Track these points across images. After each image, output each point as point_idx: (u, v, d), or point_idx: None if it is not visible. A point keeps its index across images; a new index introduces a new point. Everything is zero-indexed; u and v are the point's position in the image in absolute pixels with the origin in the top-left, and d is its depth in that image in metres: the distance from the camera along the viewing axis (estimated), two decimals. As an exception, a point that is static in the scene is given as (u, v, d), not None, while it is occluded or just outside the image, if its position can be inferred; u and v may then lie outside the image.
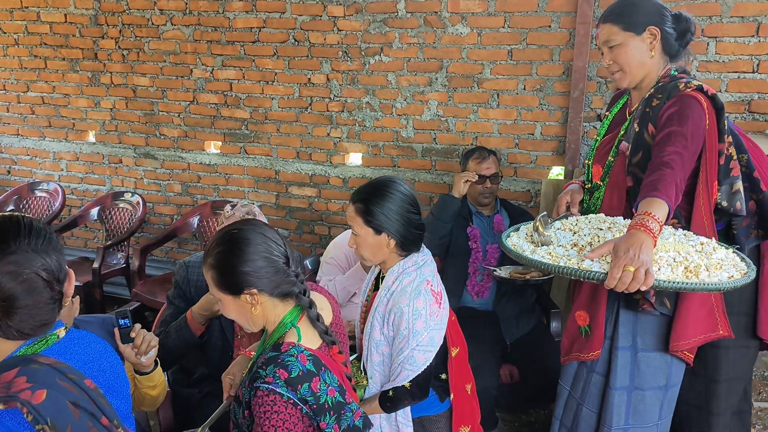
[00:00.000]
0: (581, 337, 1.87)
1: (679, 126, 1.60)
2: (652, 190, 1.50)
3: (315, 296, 1.48)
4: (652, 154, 1.65)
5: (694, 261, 1.48)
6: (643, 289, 1.39)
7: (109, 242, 3.65)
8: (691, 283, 1.43)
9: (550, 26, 3.11)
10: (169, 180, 4.26)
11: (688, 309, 1.72)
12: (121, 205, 3.97)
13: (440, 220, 2.72)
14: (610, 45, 1.75)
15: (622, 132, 1.83)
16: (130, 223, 3.86)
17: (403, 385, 1.68)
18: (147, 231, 4.36)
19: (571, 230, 1.70)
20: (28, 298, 1.03)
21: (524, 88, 3.24)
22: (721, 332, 1.75)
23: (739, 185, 1.73)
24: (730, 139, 1.74)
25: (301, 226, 3.99)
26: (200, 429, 1.53)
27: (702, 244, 1.60)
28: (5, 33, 4.37)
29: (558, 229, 1.73)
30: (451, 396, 1.84)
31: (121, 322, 1.52)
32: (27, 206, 4.25)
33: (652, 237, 1.42)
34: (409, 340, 1.64)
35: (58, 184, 4.31)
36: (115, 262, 3.79)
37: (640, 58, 1.74)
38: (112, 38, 4.08)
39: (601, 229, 1.65)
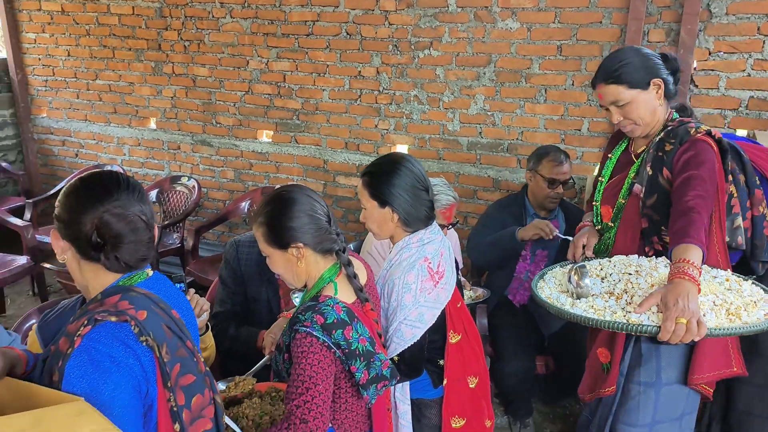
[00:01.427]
0: (603, 373, 1.91)
1: (697, 170, 1.67)
2: (684, 237, 1.54)
3: (352, 260, 1.57)
4: (672, 198, 1.71)
5: (734, 302, 1.52)
6: (696, 339, 1.42)
7: (166, 222, 3.86)
8: (740, 328, 1.45)
9: (601, 22, 3.10)
10: (223, 166, 4.45)
11: (705, 344, 1.73)
12: (178, 189, 4.18)
13: (492, 248, 2.68)
14: (619, 104, 1.80)
15: (632, 174, 1.88)
16: (185, 206, 4.07)
17: (392, 359, 1.71)
18: (200, 215, 4.57)
19: (598, 276, 1.74)
20: (132, 236, 1.18)
21: (572, 84, 3.25)
22: (735, 369, 1.79)
23: (740, 221, 1.79)
24: (731, 178, 1.80)
25: (346, 215, 4.10)
26: (245, 375, 1.67)
27: (727, 280, 1.64)
28: (78, 24, 4.66)
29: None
30: (444, 382, 1.82)
31: (177, 286, 1.66)
32: (92, 187, 4.51)
33: (696, 284, 1.45)
34: (397, 313, 1.69)
35: (121, 167, 4.57)
36: (170, 241, 4.00)
37: (651, 108, 1.81)
38: (175, 30, 4.29)
39: (630, 274, 1.69)
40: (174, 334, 1.20)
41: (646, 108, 1.80)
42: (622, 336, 1.82)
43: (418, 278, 1.70)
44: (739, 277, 1.69)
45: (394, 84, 3.70)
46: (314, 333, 1.37)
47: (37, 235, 3.80)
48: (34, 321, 2.22)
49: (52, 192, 4.46)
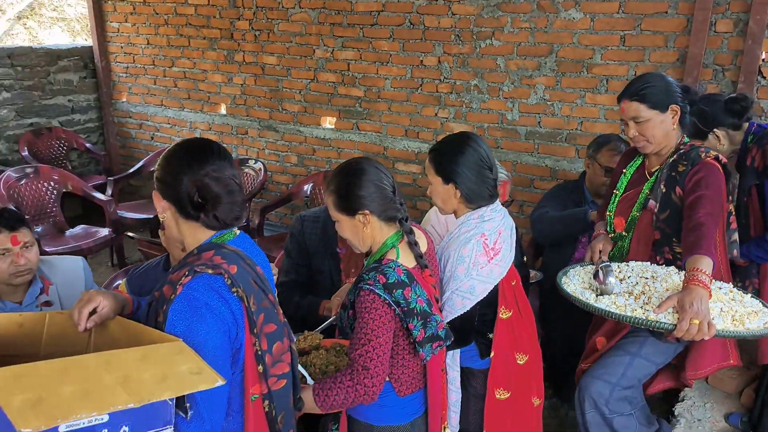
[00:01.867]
0: (594, 353, 2.12)
1: (707, 190, 1.86)
2: (697, 249, 1.72)
3: (413, 229, 1.68)
4: (684, 214, 1.90)
5: (738, 310, 1.72)
6: (706, 338, 1.62)
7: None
8: (744, 332, 1.66)
9: (666, 12, 3.08)
10: (287, 151, 4.66)
11: (706, 343, 1.89)
12: (246, 171, 4.41)
13: (560, 223, 2.73)
14: (638, 120, 1.97)
15: (646, 190, 2.06)
16: (252, 187, 4.29)
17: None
18: (265, 197, 4.80)
19: (617, 277, 1.92)
20: (228, 197, 1.30)
21: (635, 74, 3.23)
22: (731, 361, 2.00)
23: (736, 236, 2.03)
24: (730, 197, 2.03)
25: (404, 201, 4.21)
26: (315, 331, 1.82)
27: (731, 291, 1.85)
28: (157, 14, 4.97)
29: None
30: (492, 354, 1.88)
31: None
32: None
33: (708, 290, 1.64)
34: (450, 283, 1.79)
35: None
36: (237, 220, 4.24)
37: (665, 130, 1.97)
38: (246, 20, 4.52)
39: (646, 278, 1.90)
40: (259, 288, 1.33)
41: (661, 129, 1.96)
42: (625, 330, 2.01)
43: (473, 252, 1.78)
44: (740, 290, 1.89)
45: (455, 73, 3.78)
46: (376, 291, 1.49)
47: (118, 210, 4.12)
48: (119, 282, 2.46)
49: (130, 171, 4.80)
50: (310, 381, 1.61)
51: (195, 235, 1.35)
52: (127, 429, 1.05)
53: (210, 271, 1.25)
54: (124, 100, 5.49)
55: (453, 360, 1.87)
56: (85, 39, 8.00)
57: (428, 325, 1.55)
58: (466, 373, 1.95)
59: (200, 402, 1.20)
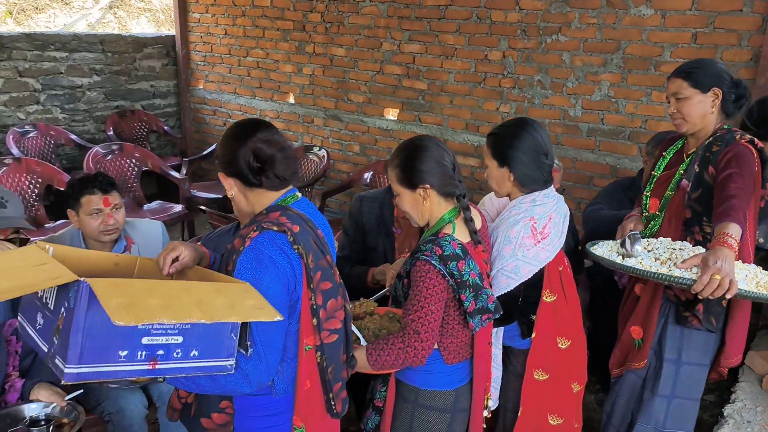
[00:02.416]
0: (634, 348, 2.12)
1: (738, 168, 1.86)
2: (725, 216, 1.73)
3: (470, 206, 1.76)
4: (714, 191, 1.91)
5: (764, 278, 1.75)
6: (728, 296, 1.61)
7: (298, 185, 4.27)
8: (764, 295, 1.69)
9: (741, 10, 3.01)
10: (350, 141, 4.81)
11: (737, 330, 1.98)
12: (310, 157, 4.60)
13: (609, 222, 2.64)
14: (678, 97, 1.99)
15: (681, 171, 2.07)
16: (315, 173, 4.47)
17: None
18: (326, 185, 4.97)
19: (646, 249, 1.92)
20: (281, 154, 1.45)
21: (705, 73, 3.17)
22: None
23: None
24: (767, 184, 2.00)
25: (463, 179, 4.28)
26: (371, 299, 1.94)
27: (757, 268, 1.84)
28: (236, 5, 5.23)
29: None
30: (533, 335, 1.92)
31: None
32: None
33: (733, 251, 1.65)
34: (495, 262, 1.84)
35: (262, 136, 5.09)
36: (299, 204, 4.43)
37: (702, 111, 1.97)
38: (318, 12, 4.69)
39: (674, 249, 1.90)
40: (318, 248, 1.45)
41: (698, 108, 1.97)
42: (656, 315, 2.04)
43: (520, 234, 1.83)
44: (758, 268, 1.87)
45: (519, 68, 3.80)
46: (432, 261, 1.58)
47: (191, 190, 4.39)
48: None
49: (203, 153, 5.09)
50: (363, 342, 1.72)
51: (262, 201, 1.48)
52: (196, 353, 1.21)
53: (275, 229, 1.38)
54: (201, 87, 5.81)
55: (496, 338, 1.93)
56: (168, 29, 8.47)
57: (479, 297, 1.62)
58: (507, 352, 2.01)
59: (259, 343, 1.34)
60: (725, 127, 2.02)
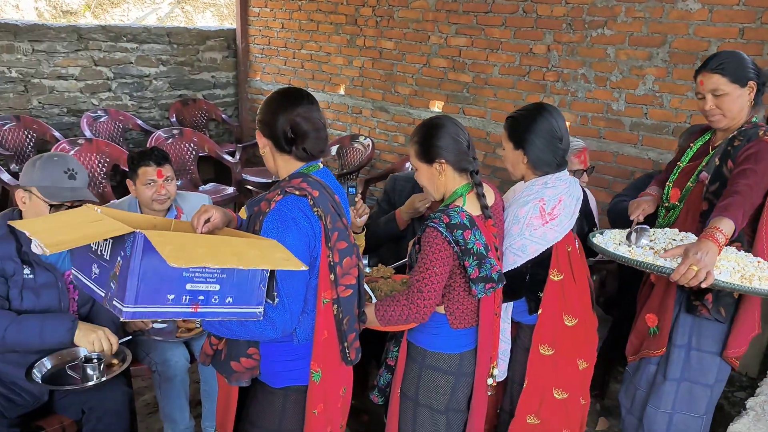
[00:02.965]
0: (649, 336, 2.16)
1: (754, 165, 1.89)
2: (723, 211, 1.80)
3: (483, 184, 1.86)
4: (728, 184, 1.94)
5: (750, 271, 1.78)
6: (703, 286, 1.70)
7: (343, 171, 4.45)
8: (745, 287, 1.73)
9: (792, 3, 2.94)
10: (396, 131, 4.95)
11: (745, 319, 2.01)
12: (356, 146, 4.77)
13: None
14: (717, 93, 1.99)
15: (704, 163, 2.10)
16: (360, 160, 4.64)
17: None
18: (371, 174, 5.13)
19: (651, 239, 1.98)
20: (315, 133, 1.58)
21: (752, 68, 3.12)
22: (757, 330, 2.04)
23: None
24: None
25: (502, 186, 4.32)
26: (389, 266, 2.07)
27: (759, 262, 1.86)
28: (293, 0, 5.46)
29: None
30: (539, 311, 1.98)
31: (351, 190, 2.14)
32: (288, 139, 5.33)
33: (717, 246, 1.72)
34: (505, 240, 1.93)
35: (312, 125, 5.30)
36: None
37: (741, 105, 2.00)
38: (370, 6, 4.85)
39: (675, 240, 1.96)
40: (335, 211, 1.59)
41: (738, 103, 1.99)
42: (671, 304, 2.07)
43: (528, 214, 1.90)
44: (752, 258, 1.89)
45: (563, 62, 3.83)
46: (439, 228, 1.70)
47: (243, 174, 4.64)
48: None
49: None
50: (374, 300, 1.86)
51: (287, 166, 1.63)
52: (231, 299, 1.38)
53: (297, 193, 1.53)
54: (258, 78, 6.08)
55: (505, 313, 2.02)
56: (230, 23, 8.87)
57: (483, 266, 1.73)
58: (517, 327, 2.10)
59: (284, 294, 1.49)
60: (753, 120, 2.03)
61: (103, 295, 1.33)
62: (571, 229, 1.98)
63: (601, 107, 3.73)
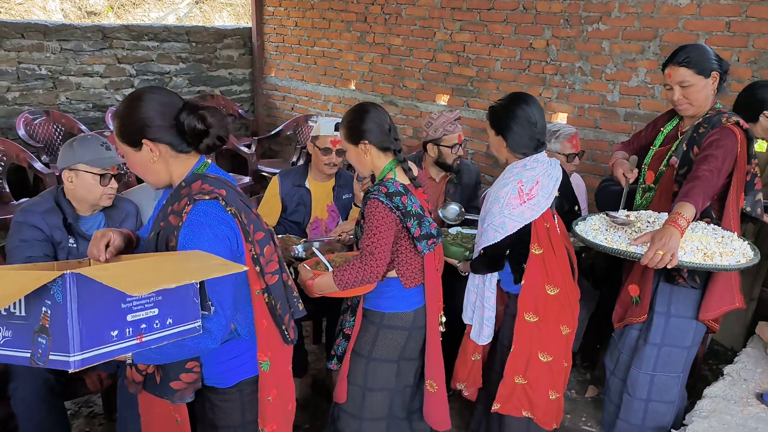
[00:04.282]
0: (632, 305, 2.38)
1: (715, 150, 2.08)
2: (684, 197, 1.99)
3: (407, 161, 2.08)
4: (692, 169, 2.13)
5: (712, 249, 1.98)
6: (669, 267, 1.90)
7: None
8: (706, 264, 1.94)
9: (774, -2, 3.11)
10: (404, 124, 5.17)
11: (715, 287, 2.20)
12: (365, 138, 4.99)
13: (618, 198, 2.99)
14: (684, 85, 2.18)
15: (673, 148, 2.31)
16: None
17: (480, 253, 2.18)
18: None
19: (629, 217, 2.21)
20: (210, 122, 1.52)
21: (737, 60, 3.29)
22: (737, 304, 2.23)
23: (760, 196, 2.22)
24: (756, 161, 2.20)
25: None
26: (318, 243, 2.38)
27: (723, 237, 2.08)
28: None
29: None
30: (523, 282, 2.16)
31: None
32: (301, 132, 5.58)
33: (679, 230, 1.91)
34: (485, 218, 2.13)
35: (324, 119, 5.55)
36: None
37: (706, 95, 2.20)
38: (379, 5, 5.07)
39: (649, 222, 2.20)
40: (244, 204, 1.55)
41: (703, 93, 2.18)
42: (651, 275, 2.28)
43: (507, 195, 2.08)
44: (733, 235, 2.12)
45: (561, 56, 4.02)
46: (380, 198, 1.92)
47: (258, 165, 4.90)
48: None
49: (271, 134, 5.61)
50: (330, 269, 2.07)
51: (179, 171, 1.54)
52: (171, 320, 1.32)
53: (207, 197, 1.45)
54: (273, 75, 6.33)
55: (490, 284, 2.24)
56: (246, 22, 9.14)
57: (423, 224, 1.99)
58: (507, 296, 2.31)
59: (217, 301, 1.44)
60: (717, 106, 2.21)
61: (28, 355, 1.19)
62: (550, 207, 2.17)
63: (596, 98, 3.92)
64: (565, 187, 2.33)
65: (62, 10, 8.90)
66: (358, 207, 2.76)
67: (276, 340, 1.63)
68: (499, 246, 2.13)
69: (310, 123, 5.60)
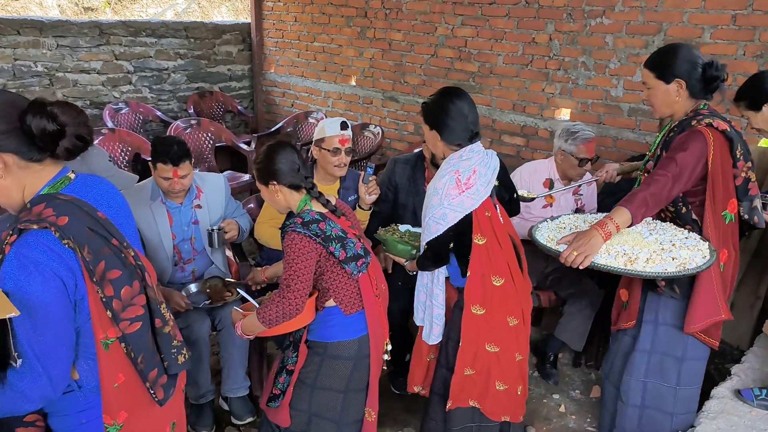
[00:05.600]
0: (623, 309, 2.34)
1: (675, 154, 2.01)
2: (625, 202, 1.99)
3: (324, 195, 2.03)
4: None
5: (636, 254, 1.94)
6: (581, 267, 1.93)
7: (355, 158, 4.63)
8: (618, 268, 1.91)
9: (782, -10, 3.06)
10: (405, 120, 5.12)
11: (698, 298, 2.09)
12: (366, 134, 4.95)
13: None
14: (646, 87, 2.14)
15: (650, 152, 2.27)
16: (370, 148, 4.82)
17: (425, 248, 2.14)
18: (381, 161, 5.30)
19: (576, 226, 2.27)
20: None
21: (743, 54, 3.24)
22: (723, 316, 2.11)
23: (758, 203, 2.11)
24: (749, 164, 2.07)
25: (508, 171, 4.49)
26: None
27: (686, 238, 2.04)
28: (305, -5, 5.64)
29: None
30: (468, 274, 2.12)
31: (368, 170, 2.34)
32: (301, 129, 5.53)
33: (603, 235, 1.94)
34: (427, 211, 2.09)
35: (324, 115, 5.49)
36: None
37: (666, 101, 2.11)
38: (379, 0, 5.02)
39: (588, 222, 2.26)
40: (97, 235, 1.30)
41: (662, 98, 2.11)
42: (638, 282, 2.25)
43: (446, 186, 2.05)
44: (690, 242, 2.02)
45: (564, 50, 3.97)
46: (297, 229, 1.87)
47: (257, 161, 4.85)
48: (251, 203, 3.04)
49: (271, 130, 5.56)
50: (257, 306, 2.04)
51: (33, 186, 1.33)
52: None
53: (35, 227, 1.23)
54: (272, 71, 6.28)
55: (437, 280, 2.20)
56: (245, 17, 9.07)
57: (347, 246, 1.93)
58: (457, 291, 2.23)
59: (31, 355, 1.21)
60: (701, 107, 2.10)
61: None
62: (490, 197, 2.13)
63: (600, 94, 3.87)
64: (504, 176, 2.29)
65: (59, 6, 8.84)
66: (363, 209, 2.71)
67: (140, 398, 1.40)
68: (442, 239, 2.09)
69: (311, 120, 5.55)
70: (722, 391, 2.47)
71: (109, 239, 1.32)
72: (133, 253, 1.38)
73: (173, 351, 1.45)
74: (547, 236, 2.17)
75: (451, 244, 2.13)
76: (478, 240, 2.11)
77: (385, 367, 2.17)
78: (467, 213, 2.07)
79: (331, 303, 2.01)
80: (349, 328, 2.04)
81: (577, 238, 1.96)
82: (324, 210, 2.00)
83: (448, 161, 2.12)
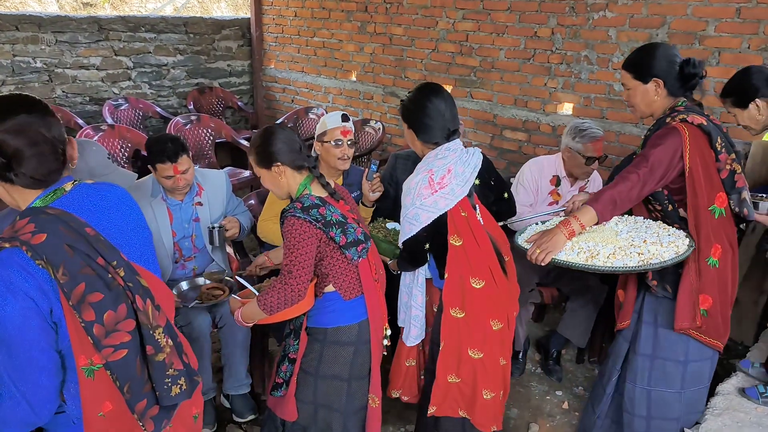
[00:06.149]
0: (620, 310, 2.31)
1: (648, 150, 2.00)
2: (592, 201, 2.00)
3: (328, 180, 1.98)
4: None
5: (598, 251, 1.94)
6: (542, 264, 1.96)
7: (356, 154, 4.60)
8: (578, 263, 1.92)
9: (787, -17, 3.03)
10: (406, 116, 5.08)
11: (682, 297, 2.07)
12: (367, 129, 4.92)
13: None
14: (626, 88, 2.13)
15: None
16: (371, 143, 4.79)
17: (401, 248, 2.11)
18: (383, 157, 5.28)
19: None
20: (31, 149, 1.22)
21: (748, 47, 3.21)
22: (698, 323, 2.06)
23: (746, 195, 2.06)
24: (733, 156, 2.03)
25: (509, 167, 4.47)
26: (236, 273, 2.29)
27: (669, 235, 2.01)
28: (305, -11, 5.60)
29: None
30: (446, 276, 2.08)
31: (372, 167, 2.32)
32: (302, 124, 5.50)
33: (565, 233, 1.97)
34: (401, 210, 2.06)
35: (324, 111, 5.46)
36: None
37: (646, 100, 2.10)
38: (380, -6, 4.98)
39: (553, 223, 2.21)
40: (79, 253, 1.21)
41: (642, 98, 2.09)
42: (633, 283, 2.22)
43: (418, 185, 2.02)
44: (669, 238, 1.99)
45: (567, 44, 3.94)
46: (296, 214, 1.82)
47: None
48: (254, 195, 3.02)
49: (271, 126, 5.53)
50: (257, 294, 2.00)
51: (23, 198, 1.28)
52: None
53: (7, 245, 1.18)
54: (272, 66, 6.25)
55: (417, 281, 2.18)
56: (244, 12, 9.03)
57: (347, 231, 1.90)
58: (439, 293, 2.19)
59: (9, 381, 1.16)
60: (680, 104, 2.07)
61: None
62: (468, 196, 2.08)
63: (603, 88, 3.84)
64: (489, 175, 2.25)
65: (58, 1, 8.79)
66: (366, 206, 2.68)
67: (130, 430, 1.31)
68: (417, 239, 2.06)
69: (311, 115, 5.52)
70: (727, 387, 2.45)
71: (94, 257, 1.23)
72: (122, 274, 1.27)
73: (167, 381, 1.33)
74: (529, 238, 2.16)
75: (427, 245, 2.10)
76: (454, 241, 2.07)
77: (385, 353, 2.14)
78: (441, 213, 2.03)
79: (330, 288, 1.98)
80: (349, 313, 2.01)
81: (541, 236, 2.00)
82: (323, 194, 1.96)
83: (425, 160, 2.10)
